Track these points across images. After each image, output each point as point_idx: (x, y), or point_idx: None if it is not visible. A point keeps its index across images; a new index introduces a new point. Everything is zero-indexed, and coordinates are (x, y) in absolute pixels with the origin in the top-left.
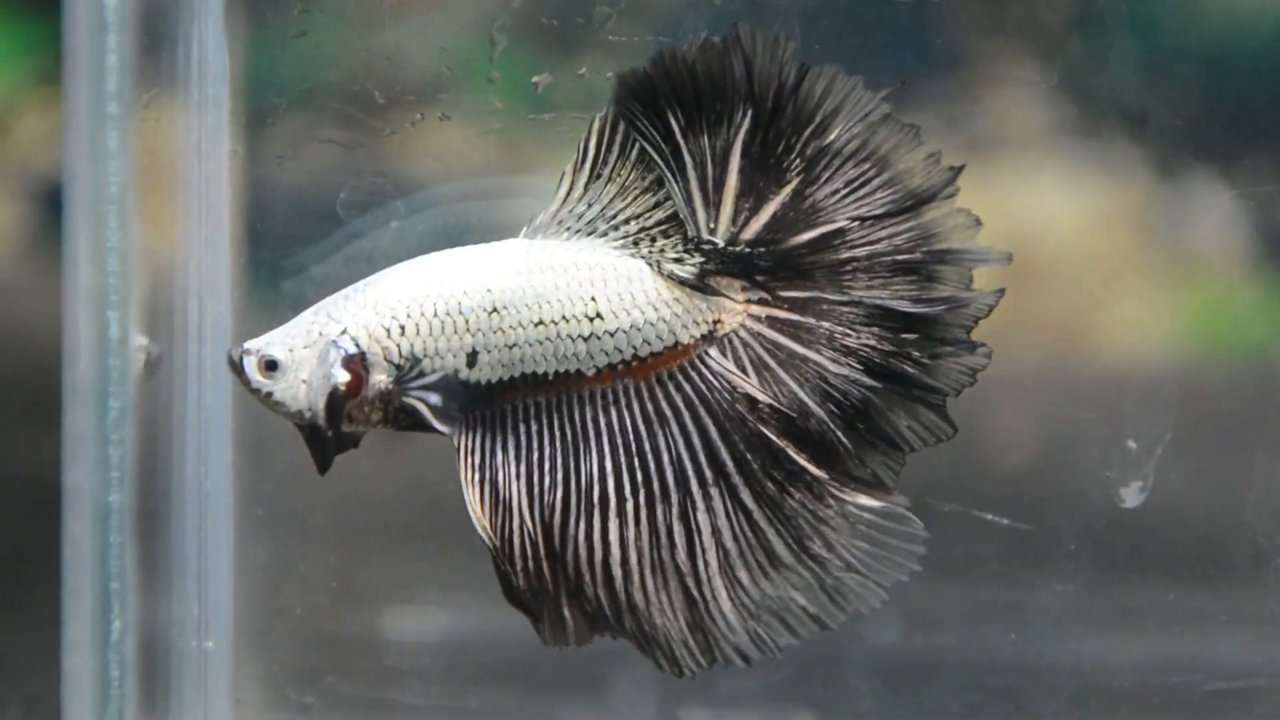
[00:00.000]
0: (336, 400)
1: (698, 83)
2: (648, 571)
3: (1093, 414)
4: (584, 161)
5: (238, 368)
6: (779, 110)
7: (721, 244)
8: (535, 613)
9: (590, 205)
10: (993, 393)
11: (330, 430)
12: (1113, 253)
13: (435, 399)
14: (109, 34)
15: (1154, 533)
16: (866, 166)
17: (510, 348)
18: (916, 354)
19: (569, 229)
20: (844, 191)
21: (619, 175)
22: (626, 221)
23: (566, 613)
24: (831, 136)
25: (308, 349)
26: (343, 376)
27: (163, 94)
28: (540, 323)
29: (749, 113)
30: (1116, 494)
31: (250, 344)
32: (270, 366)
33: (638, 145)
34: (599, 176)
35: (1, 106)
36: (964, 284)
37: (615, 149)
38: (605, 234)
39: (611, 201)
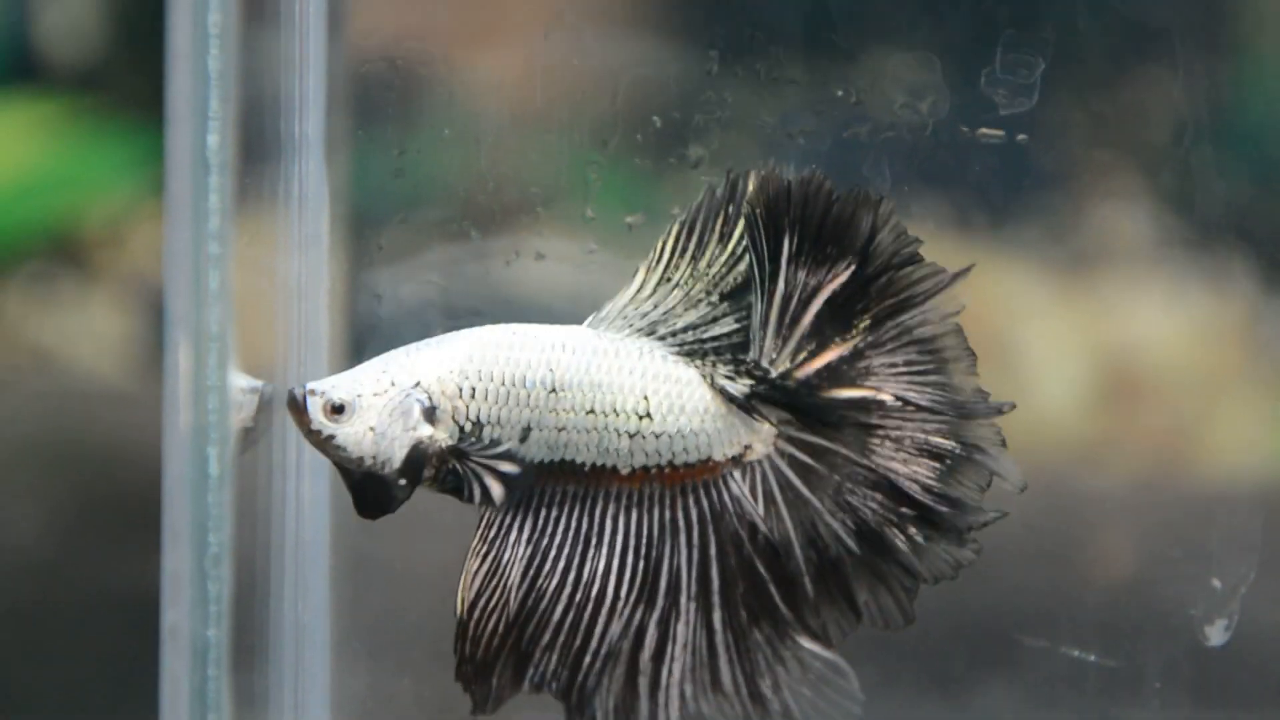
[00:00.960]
0: (420, 453)
1: (826, 220)
2: (611, 664)
3: (1181, 547)
4: (658, 262)
5: (299, 407)
6: (877, 276)
7: (775, 375)
8: (476, 693)
9: (655, 306)
10: (1086, 512)
11: (408, 483)
12: (1215, 368)
13: (508, 469)
14: (211, 175)
15: (1239, 670)
16: (928, 359)
17: (559, 430)
18: (911, 531)
19: (631, 325)
20: (900, 368)
21: (686, 283)
22: (685, 330)
23: (505, 690)
24: (908, 317)
25: (376, 396)
26: (427, 430)
27: (263, 232)
28: (592, 411)
29: (852, 268)
30: (1201, 631)
31: (315, 384)
32: (337, 410)
33: (709, 254)
34: (668, 280)
35: (117, 217)
36: (978, 488)
37: (688, 256)
38: (664, 337)
39: (675, 307)
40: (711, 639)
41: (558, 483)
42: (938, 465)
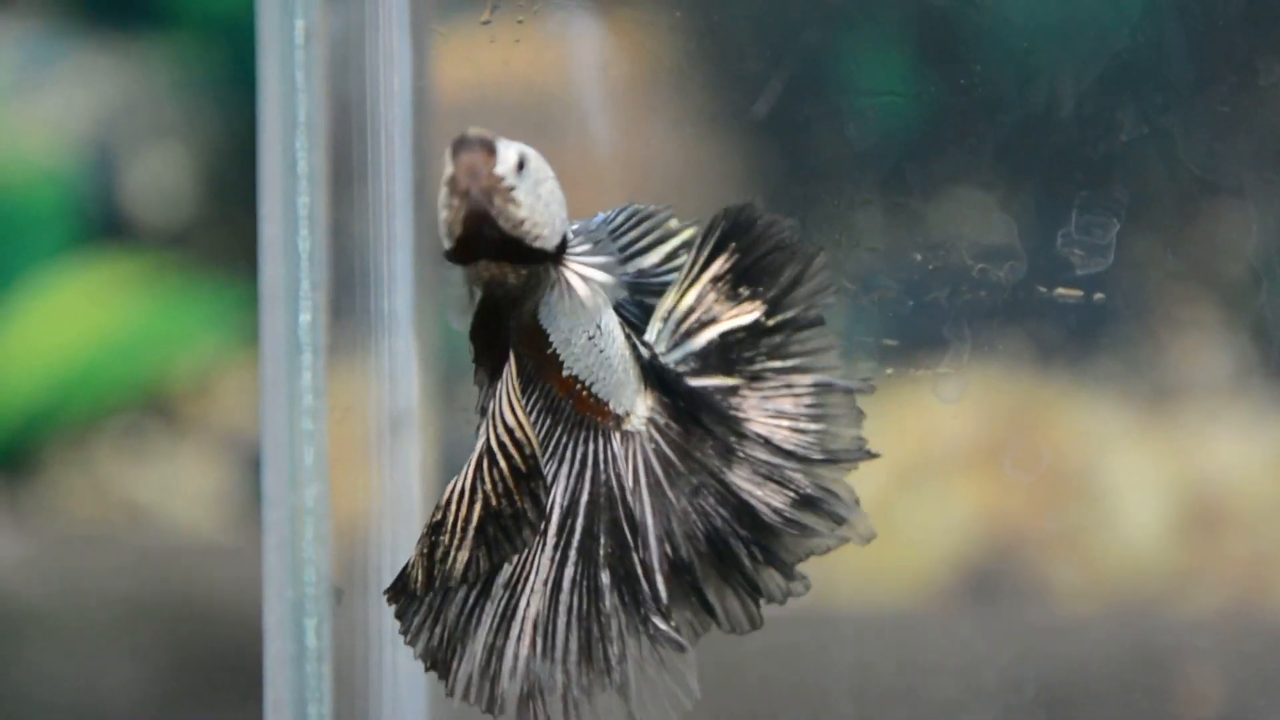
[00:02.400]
0: (563, 240)
1: (759, 260)
2: (474, 562)
3: (1267, 678)
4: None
5: (491, 148)
6: (775, 331)
7: (658, 351)
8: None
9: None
10: (1172, 643)
11: (527, 290)
12: None
13: (602, 276)
14: (304, 353)
15: None
16: (806, 411)
17: None
18: (753, 550)
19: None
20: (772, 411)
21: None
22: (637, 280)
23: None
24: (798, 379)
25: (547, 173)
26: (565, 223)
27: (355, 406)
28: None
29: (755, 315)
30: None
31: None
32: (521, 164)
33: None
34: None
35: (205, 369)
36: (828, 518)
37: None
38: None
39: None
40: (557, 591)
41: (530, 352)
42: (790, 496)
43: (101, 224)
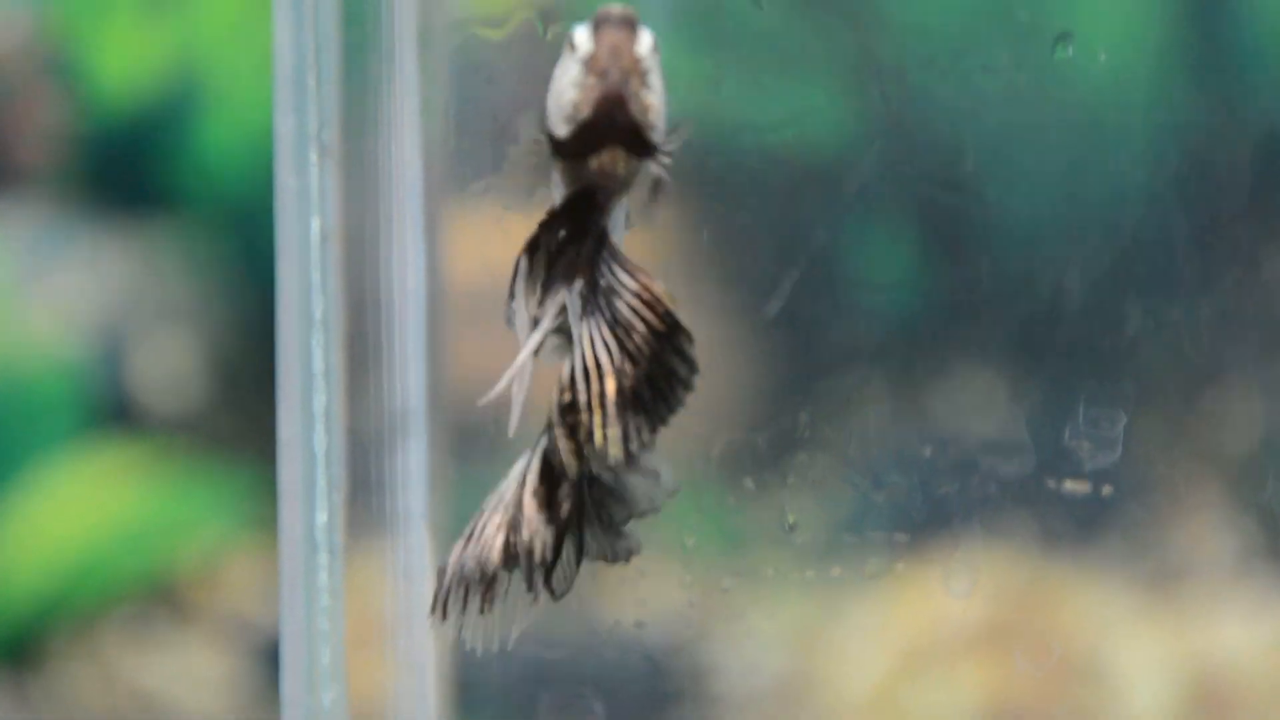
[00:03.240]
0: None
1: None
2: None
3: None
4: None
5: (634, 25)
6: None
7: None
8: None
9: None
10: None
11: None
12: None
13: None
14: (319, 553)
15: None
16: None
17: None
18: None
19: None
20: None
21: None
22: None
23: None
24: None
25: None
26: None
27: (371, 606)
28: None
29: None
30: None
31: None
32: (655, 49)
33: None
34: None
35: (211, 555)
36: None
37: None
38: None
39: None
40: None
41: None
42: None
43: (109, 410)
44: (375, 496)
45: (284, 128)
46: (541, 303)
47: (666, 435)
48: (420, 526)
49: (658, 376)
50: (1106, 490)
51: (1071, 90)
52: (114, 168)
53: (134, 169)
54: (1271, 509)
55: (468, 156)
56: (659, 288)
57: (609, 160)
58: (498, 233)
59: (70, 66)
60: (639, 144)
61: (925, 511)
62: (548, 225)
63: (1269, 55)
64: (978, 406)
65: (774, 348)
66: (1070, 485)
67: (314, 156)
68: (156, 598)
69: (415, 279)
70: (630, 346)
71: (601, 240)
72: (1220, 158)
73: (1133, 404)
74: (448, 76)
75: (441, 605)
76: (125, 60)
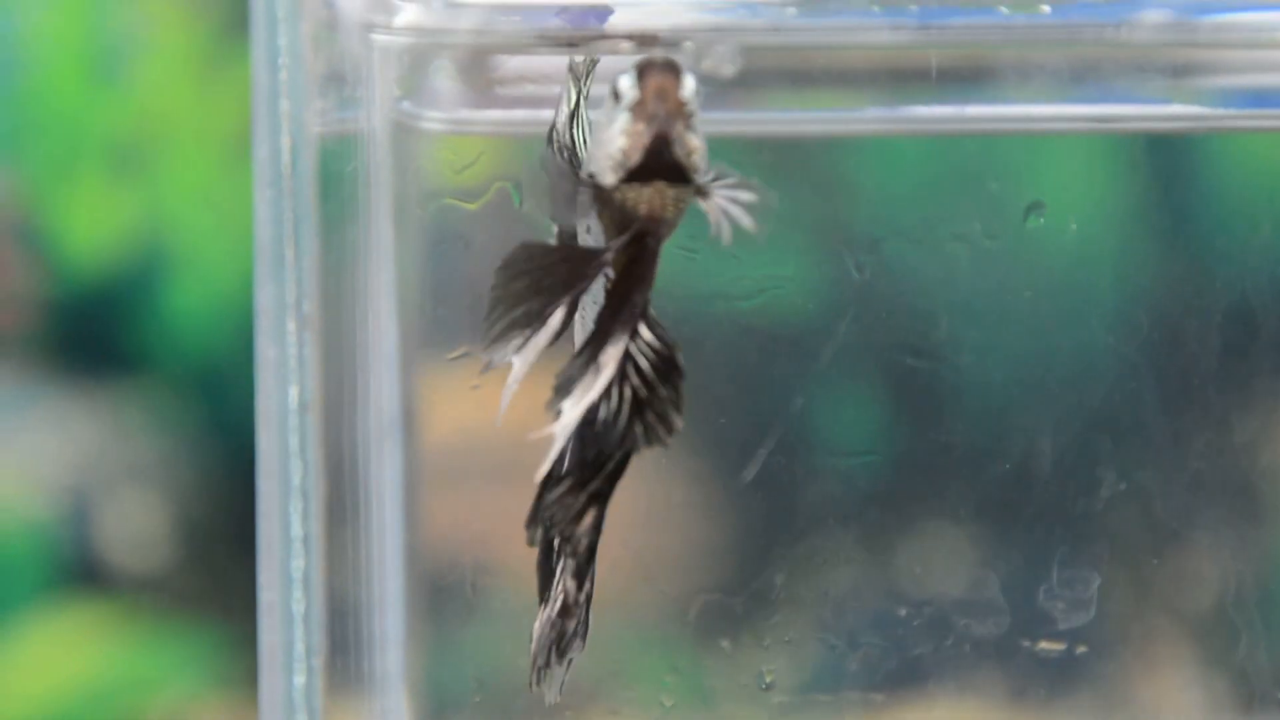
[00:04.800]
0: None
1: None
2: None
3: None
4: None
5: (678, 71)
6: None
7: None
8: None
9: None
10: None
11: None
12: None
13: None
14: (296, 715)
15: None
16: None
17: None
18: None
19: None
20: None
21: None
22: None
23: None
24: None
25: None
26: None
27: (350, 705)
28: None
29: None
30: None
31: None
32: (697, 94)
33: None
34: None
35: (177, 712)
36: None
37: None
38: None
39: None
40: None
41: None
42: None
43: (76, 569)
44: (354, 658)
45: (264, 298)
46: (598, 353)
47: (643, 595)
48: (398, 687)
49: (658, 401)
50: (1080, 650)
51: (1043, 258)
52: (81, 331)
53: (101, 332)
54: (1243, 667)
55: (444, 325)
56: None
57: (658, 202)
58: (473, 399)
59: (38, 232)
60: (686, 183)
61: (900, 672)
62: (587, 261)
63: (1235, 222)
64: (952, 568)
65: (750, 511)
66: (1044, 645)
67: (292, 326)
68: None
69: (392, 445)
70: (639, 377)
71: (648, 286)
72: (1190, 324)
73: (1106, 565)
74: (424, 247)
75: (536, 675)
76: (92, 225)
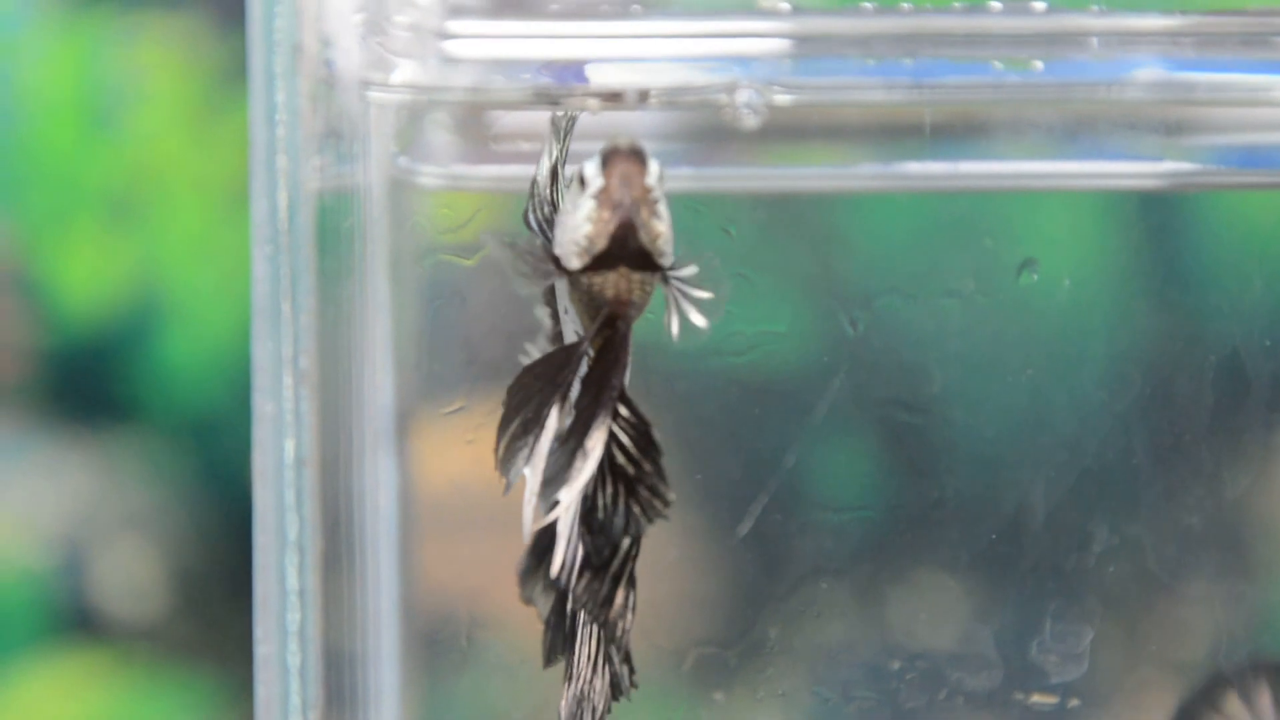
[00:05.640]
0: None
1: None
2: None
3: None
4: None
5: (643, 159)
6: None
7: None
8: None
9: None
10: None
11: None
12: None
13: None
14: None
15: None
16: None
17: None
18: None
19: None
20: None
21: None
22: None
23: None
24: None
25: None
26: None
27: None
28: None
29: None
30: None
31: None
32: (660, 179)
33: None
34: None
35: None
36: None
37: None
38: None
39: None
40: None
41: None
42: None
43: (71, 617)
44: (349, 711)
45: (260, 354)
46: (583, 439)
47: (638, 648)
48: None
49: (645, 483)
50: (1073, 703)
51: (1036, 314)
52: (76, 380)
53: (96, 382)
54: (1234, 718)
55: (440, 380)
56: (643, 414)
57: (624, 286)
58: (468, 453)
59: (33, 282)
60: (651, 268)
61: None
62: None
63: (1228, 279)
64: (945, 621)
65: (743, 565)
66: (1037, 699)
67: (289, 381)
68: None
69: (387, 499)
70: (622, 455)
71: (624, 369)
72: (1182, 379)
73: (1099, 618)
74: (420, 302)
75: None
76: (88, 275)
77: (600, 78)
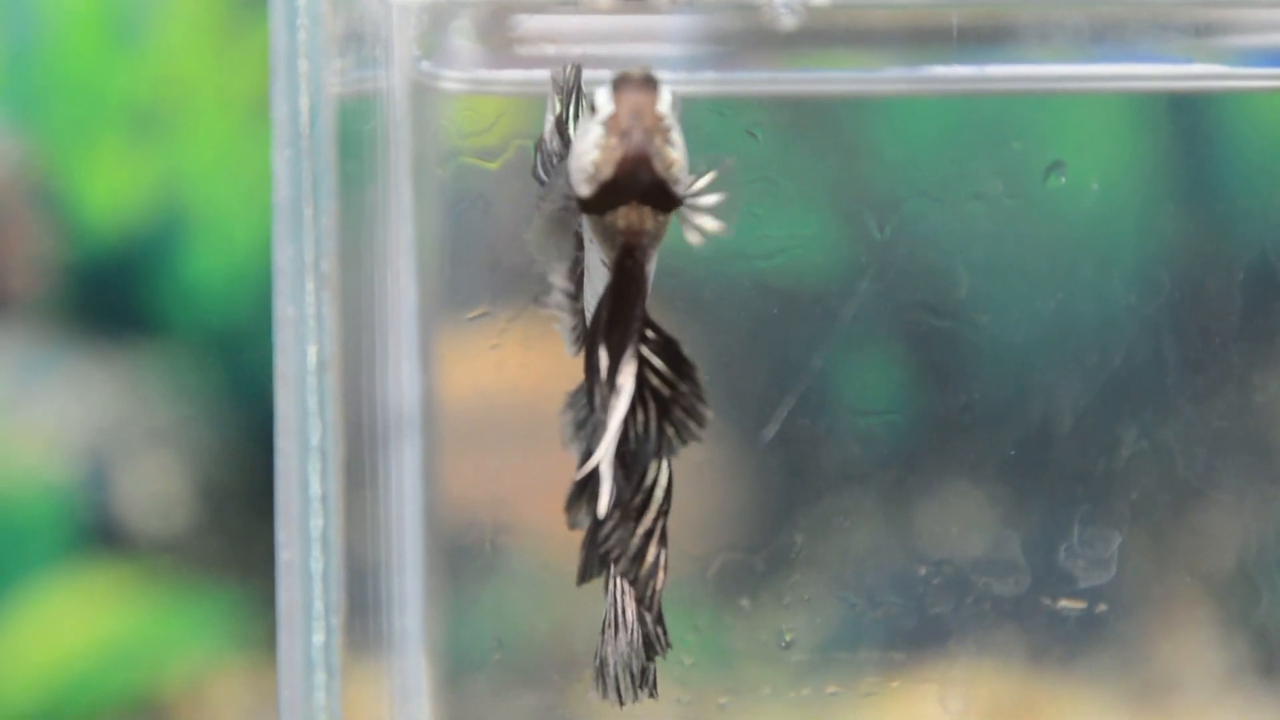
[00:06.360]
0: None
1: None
2: None
3: None
4: None
5: (655, 85)
6: None
7: None
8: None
9: None
10: None
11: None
12: None
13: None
14: (316, 672)
15: None
16: None
17: None
18: None
19: None
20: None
21: None
22: None
23: None
24: None
25: None
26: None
27: (368, 682)
28: None
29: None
30: None
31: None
32: (675, 105)
33: None
34: None
35: (196, 675)
36: None
37: None
38: None
39: None
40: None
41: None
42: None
43: (95, 532)
44: (372, 618)
45: (282, 258)
46: (613, 376)
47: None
48: (417, 647)
49: (682, 400)
50: (1101, 608)
51: (1063, 218)
52: (100, 295)
53: (120, 296)
54: (1265, 627)
55: (463, 285)
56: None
57: (635, 217)
58: (492, 359)
59: (57, 195)
60: (663, 197)
61: (920, 630)
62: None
63: (1258, 181)
64: (972, 527)
65: (769, 470)
66: (1065, 604)
67: (311, 286)
68: (144, 717)
69: (410, 405)
70: (657, 378)
71: (643, 298)
72: (1212, 282)
73: (1127, 524)
74: (443, 206)
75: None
76: (111, 189)
77: None
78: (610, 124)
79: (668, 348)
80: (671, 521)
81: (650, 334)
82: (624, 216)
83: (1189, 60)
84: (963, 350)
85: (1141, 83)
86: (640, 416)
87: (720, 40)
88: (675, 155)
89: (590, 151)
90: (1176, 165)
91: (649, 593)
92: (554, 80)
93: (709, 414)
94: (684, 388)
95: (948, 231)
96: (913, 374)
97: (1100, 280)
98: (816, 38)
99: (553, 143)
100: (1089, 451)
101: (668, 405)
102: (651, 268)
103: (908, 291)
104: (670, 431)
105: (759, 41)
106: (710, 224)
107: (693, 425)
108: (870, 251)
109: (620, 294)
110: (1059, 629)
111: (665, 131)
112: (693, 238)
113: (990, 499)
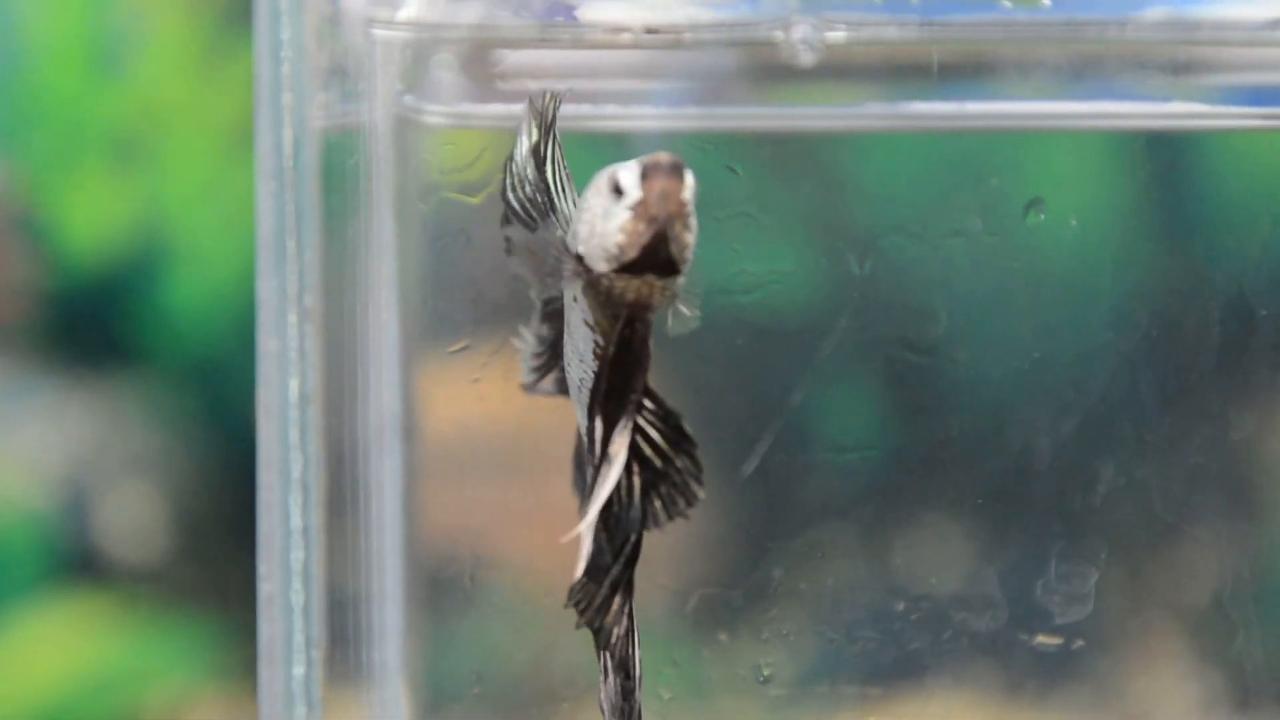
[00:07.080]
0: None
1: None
2: None
3: None
4: None
5: (681, 172)
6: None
7: None
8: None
9: None
10: None
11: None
12: None
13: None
14: (296, 705)
15: None
16: None
17: None
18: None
19: None
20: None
21: None
22: None
23: None
24: None
25: None
26: None
27: (349, 696)
28: None
29: None
30: None
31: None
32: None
33: None
34: None
35: (174, 703)
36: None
37: None
38: None
39: None
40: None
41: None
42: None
43: (74, 560)
44: (353, 650)
45: (265, 291)
46: (606, 444)
47: (642, 589)
48: (397, 679)
49: (673, 474)
50: (1077, 644)
51: (1042, 254)
52: (80, 322)
53: (100, 324)
54: (1240, 661)
55: (445, 319)
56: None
57: (645, 291)
58: (473, 393)
59: (38, 224)
60: (673, 274)
61: (897, 665)
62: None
63: (1235, 219)
64: (950, 563)
65: (748, 505)
66: (1042, 639)
67: (294, 319)
68: None
69: (392, 438)
70: (650, 447)
71: (645, 370)
72: (1189, 319)
73: (1104, 559)
74: (425, 241)
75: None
76: (92, 218)
77: (596, 14)
78: (638, 209)
79: (668, 420)
80: (650, 556)
81: (650, 404)
82: (635, 290)
83: (1168, 98)
84: (941, 386)
85: (1120, 121)
86: (624, 484)
87: (703, 76)
88: (690, 239)
89: (615, 235)
90: (1154, 203)
91: (612, 640)
92: (531, 105)
93: (701, 493)
94: (679, 463)
95: (927, 267)
96: (891, 409)
97: (1078, 317)
98: (798, 73)
99: (526, 170)
100: (1066, 487)
101: (657, 479)
102: (650, 342)
103: (886, 327)
104: (657, 505)
105: (740, 77)
106: (686, 310)
107: (681, 502)
108: (849, 287)
109: (620, 365)
110: (1036, 664)
111: (686, 217)
112: (672, 322)
113: (968, 534)
